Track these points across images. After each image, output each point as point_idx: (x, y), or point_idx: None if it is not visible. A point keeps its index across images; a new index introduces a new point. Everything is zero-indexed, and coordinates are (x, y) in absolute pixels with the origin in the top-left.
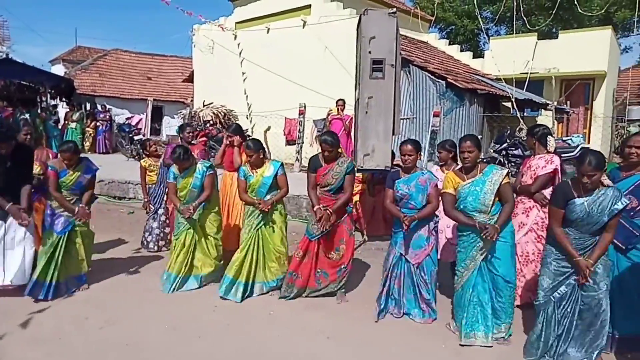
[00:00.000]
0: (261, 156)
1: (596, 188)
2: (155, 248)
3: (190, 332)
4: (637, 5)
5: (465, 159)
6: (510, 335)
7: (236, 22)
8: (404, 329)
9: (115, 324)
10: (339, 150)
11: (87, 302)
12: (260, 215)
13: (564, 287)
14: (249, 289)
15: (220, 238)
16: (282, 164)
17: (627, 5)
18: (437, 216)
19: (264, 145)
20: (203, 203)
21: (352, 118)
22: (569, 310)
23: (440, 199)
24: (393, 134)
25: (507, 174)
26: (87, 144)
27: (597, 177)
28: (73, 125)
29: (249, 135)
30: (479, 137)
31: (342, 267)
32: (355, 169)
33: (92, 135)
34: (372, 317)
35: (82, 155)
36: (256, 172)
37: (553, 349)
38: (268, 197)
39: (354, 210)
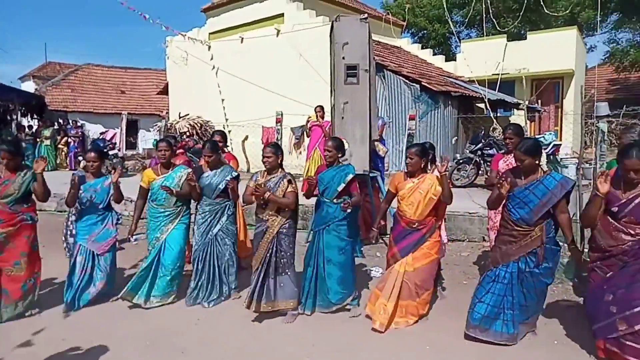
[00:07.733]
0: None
1: None
2: None
3: (171, 348)
4: (599, 6)
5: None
6: None
7: (209, 33)
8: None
9: (93, 343)
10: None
11: (64, 322)
12: None
13: None
14: None
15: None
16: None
17: (590, 6)
18: None
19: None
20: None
21: (331, 124)
22: None
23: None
24: (370, 138)
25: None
26: (60, 161)
27: None
28: (47, 142)
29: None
30: (455, 138)
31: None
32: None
33: (64, 151)
34: (353, 321)
35: (54, 172)
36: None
37: None
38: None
39: None
